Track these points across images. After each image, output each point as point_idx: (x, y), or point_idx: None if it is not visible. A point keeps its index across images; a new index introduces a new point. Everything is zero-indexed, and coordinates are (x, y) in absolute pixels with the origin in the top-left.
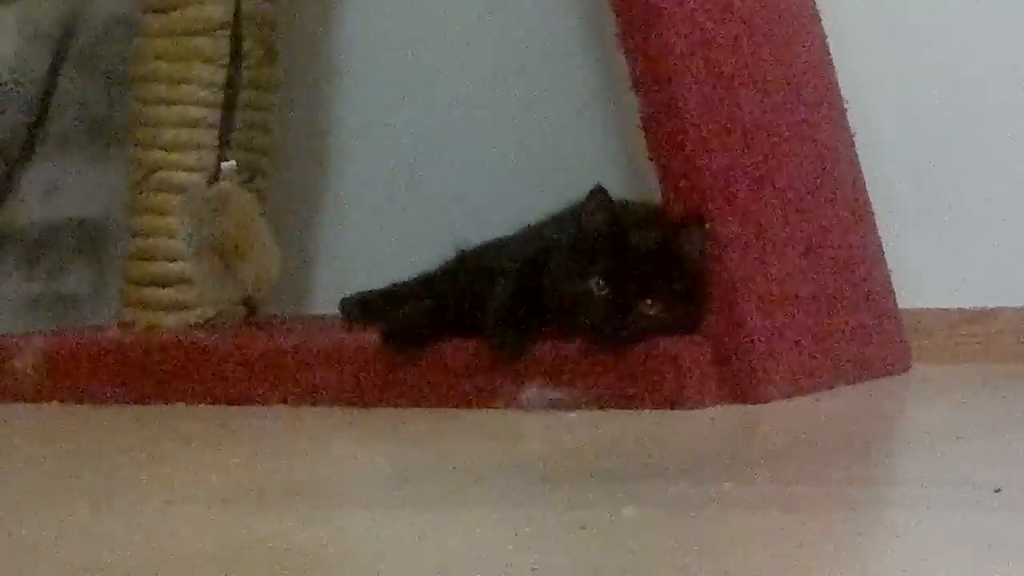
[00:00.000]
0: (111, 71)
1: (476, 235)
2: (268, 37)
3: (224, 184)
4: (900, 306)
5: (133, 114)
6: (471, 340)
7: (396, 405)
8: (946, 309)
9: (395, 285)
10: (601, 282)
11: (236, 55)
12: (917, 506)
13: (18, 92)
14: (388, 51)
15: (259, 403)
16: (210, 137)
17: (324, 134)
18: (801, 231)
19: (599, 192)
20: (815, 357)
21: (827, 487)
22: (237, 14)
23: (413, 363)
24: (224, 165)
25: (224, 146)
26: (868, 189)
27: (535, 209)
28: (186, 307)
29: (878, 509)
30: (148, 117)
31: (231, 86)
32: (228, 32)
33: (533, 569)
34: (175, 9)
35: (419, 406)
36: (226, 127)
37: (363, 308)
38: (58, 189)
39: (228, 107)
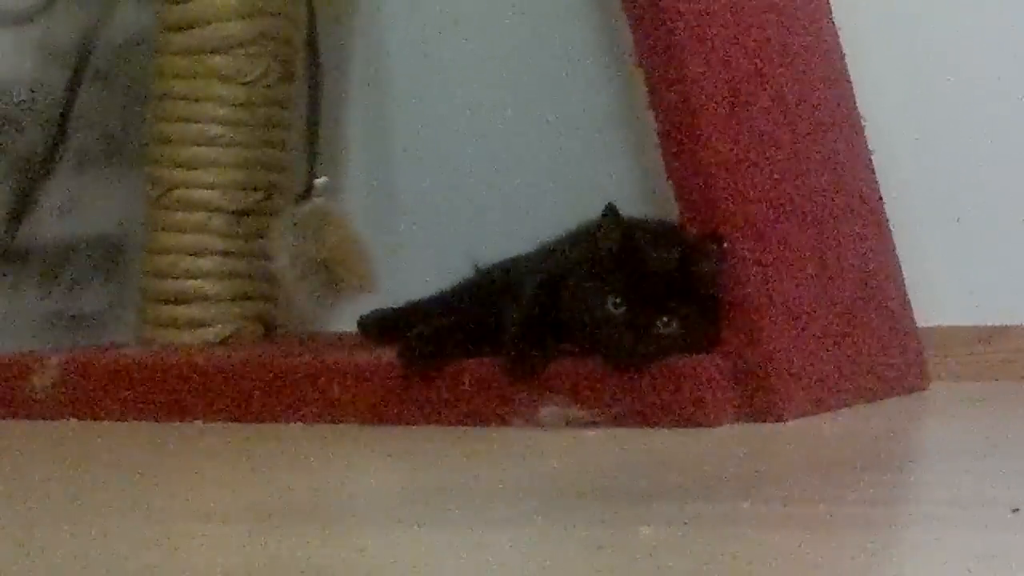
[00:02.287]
0: (129, 89)
1: (494, 254)
2: (285, 55)
3: (320, 200)
4: (918, 324)
5: (151, 132)
6: (489, 358)
7: (414, 423)
8: (964, 327)
9: (412, 303)
10: (618, 300)
11: (314, 67)
12: (935, 526)
13: (36, 110)
14: (405, 72)
15: (277, 421)
16: (228, 155)
17: (341, 153)
18: (819, 248)
19: (611, 211)
20: (833, 375)
21: (845, 506)
22: (312, 23)
23: (431, 381)
24: (317, 181)
25: (313, 162)
26: (885, 206)
27: (553, 227)
28: (204, 325)
29: (896, 528)
30: (166, 135)
31: (313, 101)
32: (246, 51)
33: None
34: (193, 27)
35: (437, 424)
36: (312, 143)
37: (380, 326)
38: (76, 206)
39: (312, 123)
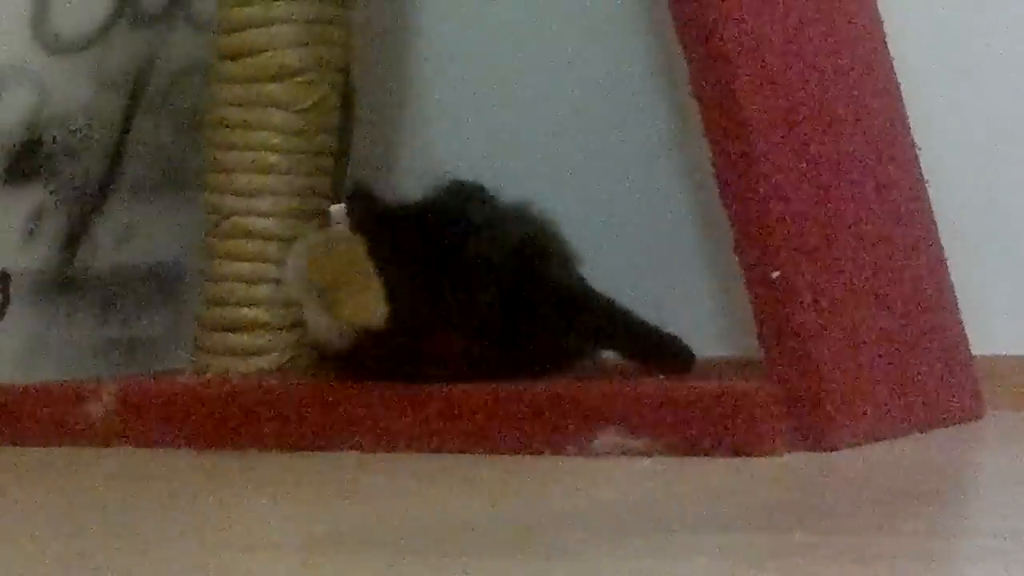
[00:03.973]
0: (185, 117)
1: None
2: (340, 83)
3: (336, 227)
4: (974, 352)
5: (207, 160)
6: (542, 385)
7: (468, 451)
8: (1021, 355)
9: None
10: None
11: (348, 100)
12: (992, 559)
13: (92, 138)
14: (453, 98)
15: (332, 450)
16: (283, 183)
17: (389, 173)
18: (873, 276)
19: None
20: (888, 404)
21: (900, 538)
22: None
23: (485, 408)
24: (332, 209)
25: (336, 191)
26: (940, 234)
27: (609, 256)
28: (260, 353)
29: (952, 562)
30: (221, 163)
31: (344, 132)
32: (301, 79)
33: None
34: (248, 56)
35: (491, 453)
36: (339, 173)
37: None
38: (132, 234)
39: (340, 154)
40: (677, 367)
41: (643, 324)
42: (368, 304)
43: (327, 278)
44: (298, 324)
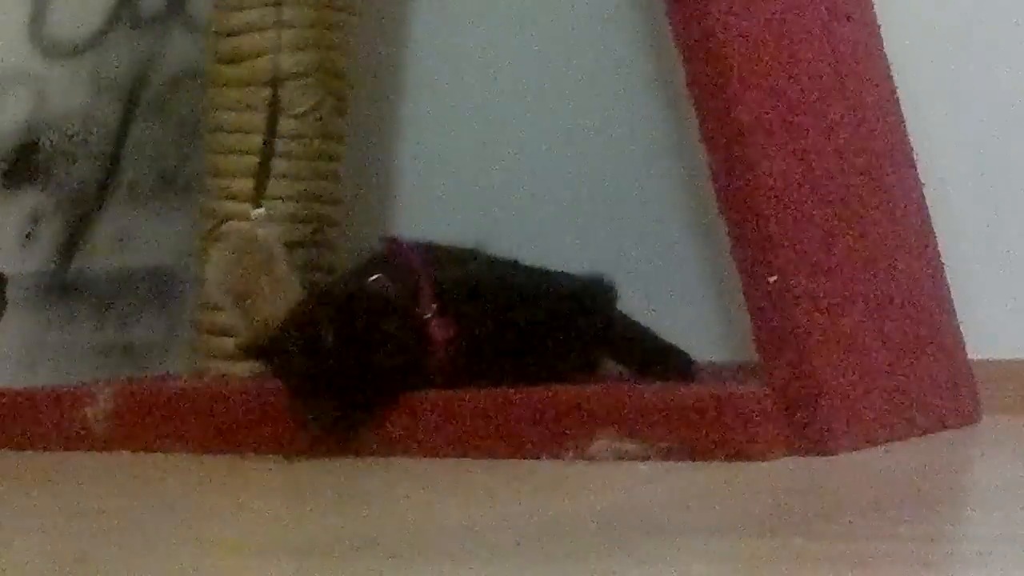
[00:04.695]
0: (181, 121)
1: None
2: (338, 88)
3: (252, 225)
4: (971, 357)
5: (204, 164)
6: (539, 390)
7: (465, 456)
8: (1017, 360)
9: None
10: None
11: (274, 103)
12: (989, 564)
13: (89, 142)
14: (450, 102)
15: (327, 454)
16: (280, 188)
17: (384, 182)
18: (870, 281)
19: None
20: (885, 408)
21: (897, 543)
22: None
23: (483, 414)
24: (254, 212)
25: (259, 195)
26: (937, 238)
27: (602, 260)
28: None
29: (949, 566)
30: (218, 167)
31: (270, 137)
32: (298, 83)
33: None
34: (244, 60)
35: (488, 457)
36: (262, 177)
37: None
38: (129, 238)
39: (265, 158)
40: (677, 376)
41: (644, 332)
42: (279, 306)
43: (240, 284)
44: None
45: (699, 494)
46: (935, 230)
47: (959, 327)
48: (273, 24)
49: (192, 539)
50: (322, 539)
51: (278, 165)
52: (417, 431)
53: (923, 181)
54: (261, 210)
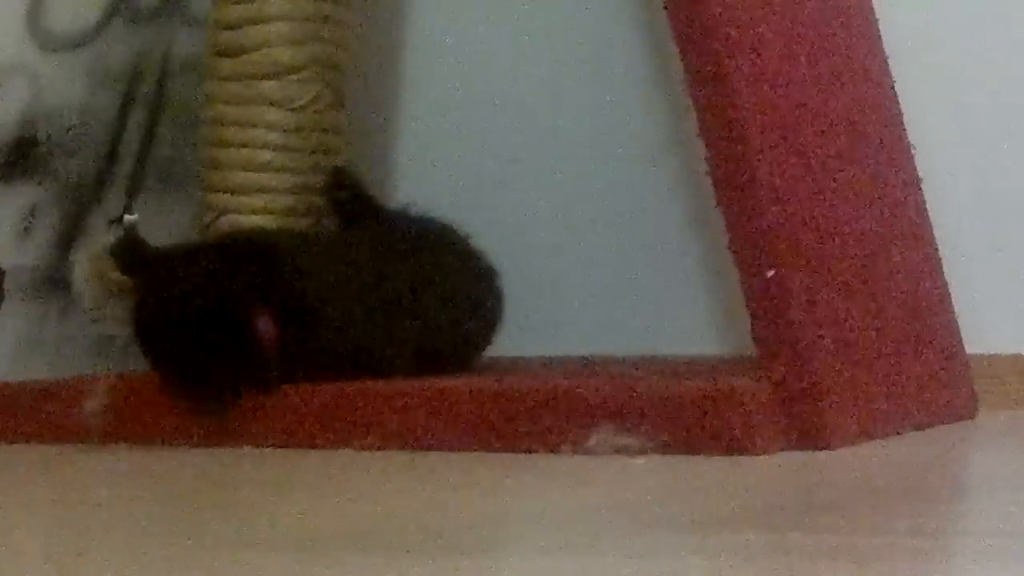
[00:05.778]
0: (180, 114)
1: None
2: (336, 81)
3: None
4: (968, 352)
5: (202, 157)
6: (537, 383)
7: (463, 450)
8: (1014, 355)
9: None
10: None
11: (156, 101)
12: (986, 558)
13: (87, 135)
14: (448, 97)
15: (325, 447)
16: (278, 180)
17: (383, 176)
18: (867, 276)
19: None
20: (882, 403)
21: (894, 537)
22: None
23: (479, 407)
24: (127, 218)
25: (133, 197)
26: (935, 233)
27: (607, 257)
28: None
29: (946, 560)
30: (217, 160)
31: (147, 135)
32: (296, 77)
33: None
34: (242, 53)
35: (486, 451)
36: (138, 177)
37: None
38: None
39: (142, 157)
40: None
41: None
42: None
43: (108, 287)
44: None
45: (696, 488)
46: (932, 225)
47: (956, 322)
48: (272, 17)
49: (189, 533)
50: (320, 533)
51: (277, 159)
52: (414, 424)
53: (921, 175)
54: (135, 216)
